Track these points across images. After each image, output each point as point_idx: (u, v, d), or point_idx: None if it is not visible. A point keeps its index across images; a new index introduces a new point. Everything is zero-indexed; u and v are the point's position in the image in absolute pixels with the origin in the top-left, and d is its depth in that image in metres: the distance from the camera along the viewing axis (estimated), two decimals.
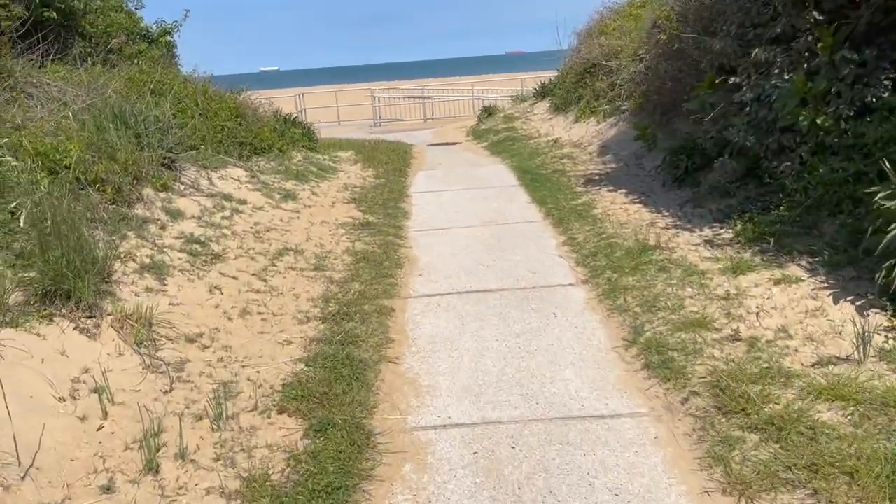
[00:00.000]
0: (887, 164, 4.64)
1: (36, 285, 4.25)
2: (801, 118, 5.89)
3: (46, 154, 5.78)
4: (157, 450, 3.30)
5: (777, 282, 4.79)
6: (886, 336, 3.90)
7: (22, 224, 4.63)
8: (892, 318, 4.08)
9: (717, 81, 7.30)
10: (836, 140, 5.81)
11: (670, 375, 3.87)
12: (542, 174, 10.15)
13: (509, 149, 13.06)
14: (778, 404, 3.38)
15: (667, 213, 7.15)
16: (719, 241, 5.94)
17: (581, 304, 5.15)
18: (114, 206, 5.97)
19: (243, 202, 7.83)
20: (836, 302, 4.41)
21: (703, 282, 5.04)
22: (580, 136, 12.55)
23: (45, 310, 4.17)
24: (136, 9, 14.81)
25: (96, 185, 5.90)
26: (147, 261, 5.43)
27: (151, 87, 9.90)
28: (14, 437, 3.04)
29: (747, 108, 6.50)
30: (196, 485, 3.16)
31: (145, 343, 4.25)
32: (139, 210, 6.27)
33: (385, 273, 6.09)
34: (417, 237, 7.34)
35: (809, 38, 6.04)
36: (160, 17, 14.84)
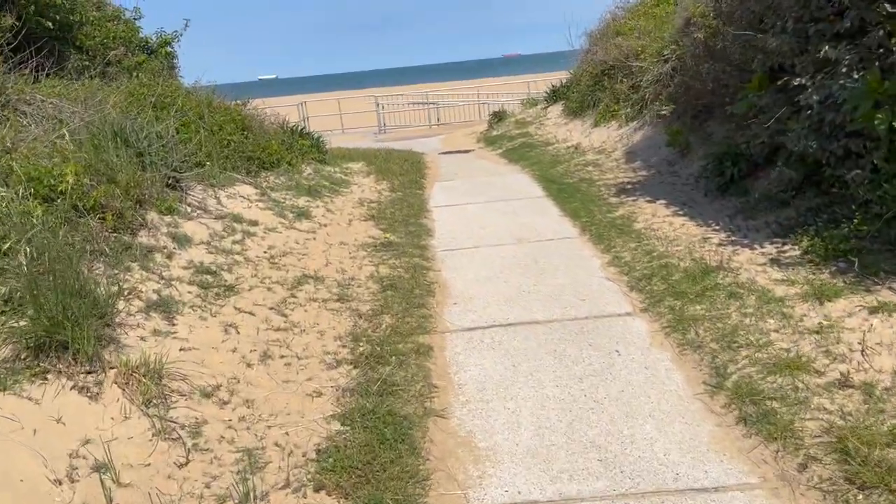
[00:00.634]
0: None
1: (27, 337, 3.67)
2: (876, 121, 5.29)
3: (40, 179, 5.20)
4: None
5: (874, 310, 4.19)
6: None
7: (24, 266, 4.03)
8: None
9: (771, 83, 6.70)
10: None
11: (776, 433, 3.27)
12: (569, 183, 9.56)
13: (527, 156, 12.47)
14: None
15: (717, 227, 6.55)
16: (787, 260, 5.34)
17: (645, 339, 4.55)
18: (115, 234, 5.39)
19: (255, 223, 7.25)
20: None
21: (784, 310, 4.44)
22: (602, 141, 11.96)
23: (38, 366, 3.59)
24: (134, 19, 14.24)
25: (95, 213, 5.31)
26: (154, 297, 4.85)
27: (153, 100, 9.34)
28: None
29: (808, 111, 5.90)
30: None
31: (154, 401, 3.66)
32: (143, 238, 5.69)
33: (416, 303, 5.50)
34: (445, 258, 6.75)
35: (881, 32, 5.44)
36: (160, 28, 14.30)
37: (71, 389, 3.52)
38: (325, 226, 7.83)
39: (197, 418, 3.65)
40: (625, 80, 12.82)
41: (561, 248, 6.70)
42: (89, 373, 3.70)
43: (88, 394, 3.57)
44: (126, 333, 4.22)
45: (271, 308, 5.29)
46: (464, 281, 6.03)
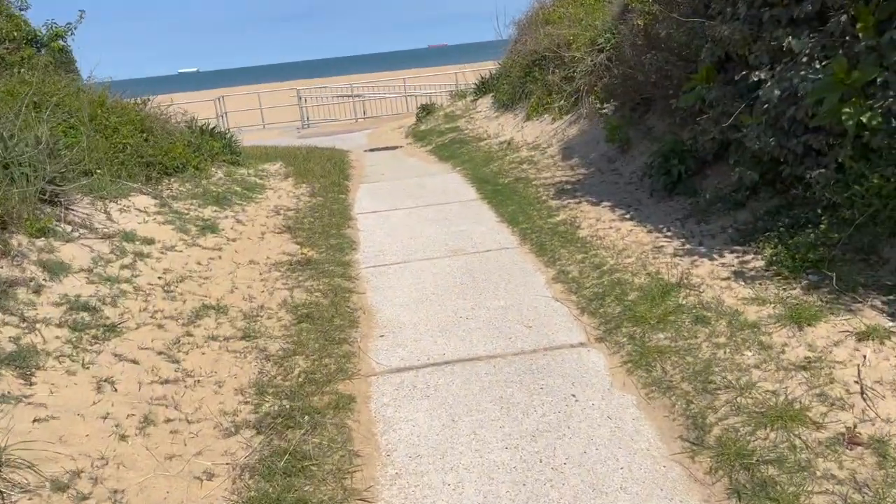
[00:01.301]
0: None
1: None
2: (843, 116, 4.76)
3: None
4: None
5: (862, 336, 3.63)
6: None
7: None
8: None
9: (719, 73, 6.16)
10: (885, 141, 4.71)
11: None
12: (504, 184, 8.88)
13: (458, 153, 11.75)
14: None
15: (669, 233, 5.98)
16: (752, 273, 4.77)
17: (605, 378, 3.88)
18: None
19: (150, 242, 6.30)
20: None
21: (761, 339, 3.84)
22: (535, 136, 11.35)
23: None
24: (20, 10, 12.83)
25: None
26: (9, 347, 3.94)
27: (34, 99, 8.20)
28: None
29: (765, 106, 5.36)
30: None
31: None
32: (2, 269, 4.72)
33: (337, 337, 4.70)
34: (371, 277, 5.96)
35: (844, 17, 4.92)
36: (50, 19, 12.93)
37: None
38: (234, 240, 6.93)
39: None
40: (557, 70, 12.25)
41: (501, 261, 6.00)
42: None
43: None
44: None
45: (160, 353, 4.40)
46: (392, 305, 5.26)
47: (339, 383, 4.06)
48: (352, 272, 6.08)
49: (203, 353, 4.48)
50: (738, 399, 3.35)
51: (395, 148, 14.24)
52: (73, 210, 6.42)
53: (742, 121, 5.79)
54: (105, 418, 3.57)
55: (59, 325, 4.41)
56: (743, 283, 4.63)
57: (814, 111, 5.04)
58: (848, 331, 3.73)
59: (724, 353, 3.78)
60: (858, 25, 4.84)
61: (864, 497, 2.60)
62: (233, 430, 3.59)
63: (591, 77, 10.44)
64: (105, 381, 3.92)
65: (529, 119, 12.36)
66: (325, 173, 10.53)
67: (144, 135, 9.21)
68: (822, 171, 5.08)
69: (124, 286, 5.26)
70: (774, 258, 4.87)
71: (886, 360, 3.41)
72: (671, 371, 3.76)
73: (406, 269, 6.08)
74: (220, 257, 6.37)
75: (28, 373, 3.83)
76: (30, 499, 2.92)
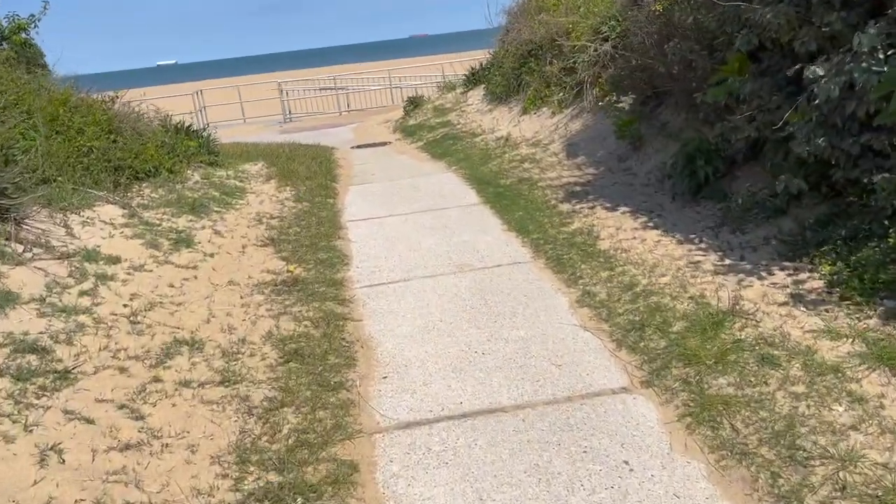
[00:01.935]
0: None
1: None
2: None
3: None
4: None
5: None
6: None
7: None
8: None
9: (752, 63, 5.50)
10: None
11: None
12: (507, 185, 8.18)
13: (452, 150, 11.02)
14: None
15: (702, 245, 5.31)
16: (813, 296, 4.11)
17: (661, 437, 3.20)
18: None
19: (115, 261, 5.56)
20: None
21: (849, 387, 3.18)
22: (534, 131, 10.65)
23: None
24: None
25: None
26: None
27: None
28: None
29: (816, 101, 4.69)
30: None
31: None
32: None
33: (331, 380, 3.98)
34: (367, 299, 5.25)
35: None
36: (12, 11, 12.04)
37: None
38: (212, 256, 6.18)
39: None
40: (555, 61, 11.54)
41: (514, 279, 5.31)
42: None
43: None
44: None
45: (122, 406, 3.68)
46: (394, 336, 4.55)
47: (338, 445, 3.35)
48: (345, 294, 5.36)
49: (173, 405, 3.76)
50: (841, 474, 2.68)
51: (383, 144, 13.48)
52: (26, 225, 5.67)
53: (784, 117, 5.13)
54: None
55: (0, 374, 3.68)
56: (805, 310, 3.97)
57: (877, 108, 4.38)
58: None
59: (807, 406, 3.11)
60: None
61: None
62: None
63: (596, 68, 9.74)
64: (51, 449, 3.19)
65: (526, 113, 11.66)
66: (311, 174, 9.77)
67: (112, 136, 8.43)
68: (886, 175, 4.43)
69: (82, 318, 4.53)
70: (836, 278, 4.22)
71: None
72: (744, 430, 3.08)
73: (407, 288, 5.37)
74: (195, 277, 5.63)
75: None
76: None
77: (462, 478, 3.05)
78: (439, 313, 4.82)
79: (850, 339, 3.54)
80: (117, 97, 9.41)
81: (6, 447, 3.15)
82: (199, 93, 23.41)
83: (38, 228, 5.77)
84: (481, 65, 16.14)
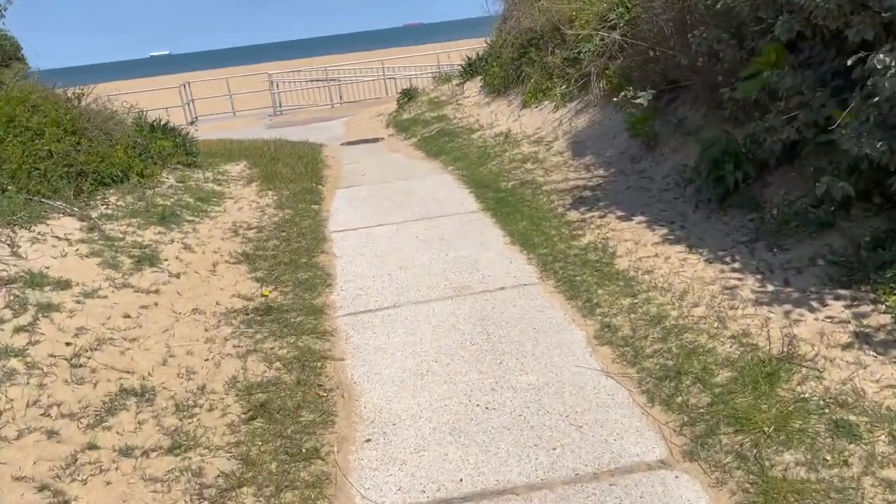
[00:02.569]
0: None
1: None
2: None
3: None
4: None
5: None
6: None
7: None
8: None
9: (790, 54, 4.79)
10: None
11: None
12: (508, 189, 7.46)
13: (448, 148, 10.29)
14: None
15: (736, 264, 4.62)
16: (883, 335, 3.43)
17: None
18: None
19: (65, 285, 4.87)
20: None
21: None
22: (536, 127, 9.92)
23: None
24: None
25: None
26: None
27: None
28: None
29: (876, 98, 3.98)
30: None
31: None
32: None
33: (304, 446, 3.29)
34: (351, 331, 4.54)
35: None
36: None
37: None
38: (178, 276, 5.47)
39: None
40: (557, 51, 10.81)
41: (521, 307, 4.60)
42: None
43: None
44: None
45: (42, 487, 2.98)
46: (382, 382, 3.85)
47: None
48: (326, 324, 4.65)
49: (108, 483, 3.06)
50: None
51: (375, 141, 12.74)
52: None
53: (819, 113, 4.44)
54: None
55: None
56: (876, 355, 3.28)
57: None
58: None
59: None
60: None
61: None
62: None
63: (603, 59, 9.01)
64: None
65: (527, 106, 10.93)
66: (296, 176, 9.04)
67: (76, 137, 7.70)
68: None
69: (13, 363, 3.84)
70: None
71: None
72: None
73: (397, 317, 4.66)
74: (156, 304, 4.92)
75: None
76: None
77: None
78: (434, 351, 4.12)
79: None
80: (83, 94, 8.67)
81: None
82: (187, 85, 22.62)
83: None
84: (478, 55, 15.39)
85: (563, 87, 10.30)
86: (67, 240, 5.72)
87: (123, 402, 3.66)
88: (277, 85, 22.71)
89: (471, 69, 15.23)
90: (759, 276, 4.39)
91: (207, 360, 4.19)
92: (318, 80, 23.81)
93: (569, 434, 3.18)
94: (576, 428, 3.22)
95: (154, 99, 21.37)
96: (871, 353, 3.31)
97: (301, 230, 6.68)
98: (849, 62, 4.03)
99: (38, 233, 5.67)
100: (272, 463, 3.15)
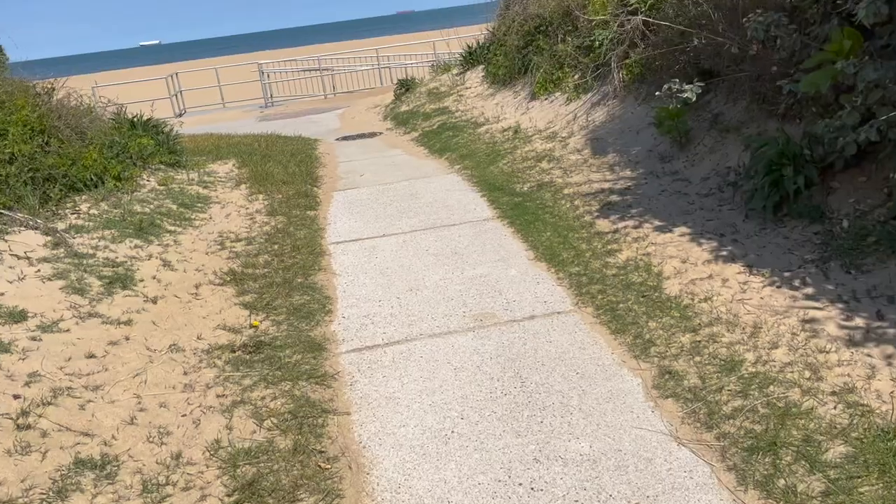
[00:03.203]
0: None
1: None
2: None
3: None
4: None
5: None
6: None
7: None
8: None
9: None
10: None
11: None
12: (525, 193, 6.73)
13: (453, 144, 9.54)
14: None
15: (809, 289, 3.91)
16: None
17: None
18: None
19: (19, 317, 4.17)
20: None
21: None
22: (547, 121, 9.19)
23: None
24: None
25: None
26: None
27: None
28: None
29: None
30: None
31: None
32: None
33: None
34: (357, 375, 3.82)
35: None
36: None
37: None
38: (155, 301, 4.74)
39: None
40: (569, 38, 10.06)
41: (557, 342, 3.89)
42: None
43: None
44: None
45: None
46: (397, 448, 3.13)
47: None
48: (326, 364, 3.93)
49: None
50: None
51: (372, 136, 11.98)
52: None
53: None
54: None
55: None
56: None
57: None
58: None
59: None
60: None
61: None
62: None
63: (623, 46, 8.26)
64: None
65: (536, 98, 10.19)
66: (289, 177, 8.29)
67: (44, 137, 6.94)
68: None
69: None
70: None
71: None
72: None
73: (410, 355, 3.94)
74: (127, 339, 4.20)
75: None
76: None
77: None
78: (458, 403, 3.41)
79: None
80: (53, 88, 7.89)
81: None
82: (175, 76, 21.78)
83: None
84: (478, 43, 14.62)
85: (577, 77, 9.57)
86: (28, 258, 4.99)
87: (77, 479, 2.94)
88: (268, 75, 21.88)
89: (472, 58, 14.46)
90: (841, 307, 3.69)
91: (185, 415, 3.47)
92: (310, 70, 22.96)
93: None
94: None
95: (141, 90, 20.53)
96: None
97: (295, 242, 5.94)
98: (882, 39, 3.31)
99: None
100: None
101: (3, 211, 5.61)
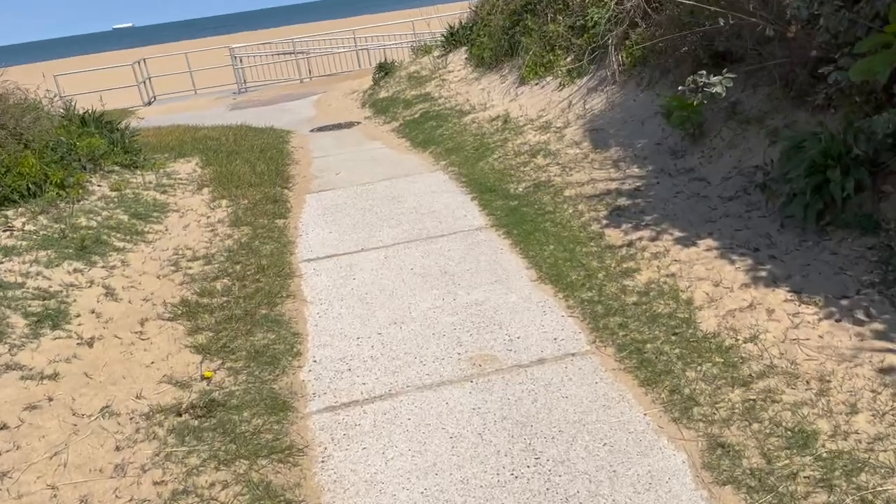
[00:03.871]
0: None
1: None
2: None
3: None
4: None
5: None
6: None
7: None
8: None
9: None
10: None
11: None
12: (520, 196, 5.99)
13: (438, 136, 8.76)
14: None
15: (877, 323, 3.24)
16: None
17: None
18: None
19: None
20: None
21: None
22: (539, 108, 8.44)
23: None
24: None
25: None
26: None
27: None
28: None
29: None
30: None
31: None
32: None
33: None
34: (329, 447, 3.09)
35: None
36: None
37: None
38: (91, 345, 3.98)
39: None
40: (560, 17, 9.29)
41: (575, 399, 3.18)
42: None
43: None
44: None
45: None
46: None
47: None
48: (293, 431, 3.20)
49: None
50: None
51: (350, 126, 11.16)
52: None
53: None
54: None
55: None
56: None
57: None
58: None
59: None
60: None
61: None
62: None
63: (622, 27, 7.51)
64: None
65: (525, 83, 9.43)
66: (257, 178, 7.50)
67: None
68: None
69: None
70: None
71: None
72: None
73: (396, 415, 3.22)
74: (50, 401, 3.44)
75: None
76: None
77: None
78: (458, 492, 2.69)
79: None
80: None
81: None
82: (142, 62, 20.74)
83: None
84: (461, 23, 13.81)
85: (569, 60, 8.81)
86: None
87: None
88: (241, 60, 20.87)
89: (454, 39, 13.65)
90: None
91: None
92: (285, 54, 21.98)
93: None
94: None
95: (108, 78, 19.51)
96: None
97: (261, 261, 5.18)
98: None
99: None
100: None
101: None
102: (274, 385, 3.57)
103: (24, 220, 5.66)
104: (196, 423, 3.29)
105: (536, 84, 9.16)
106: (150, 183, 7.33)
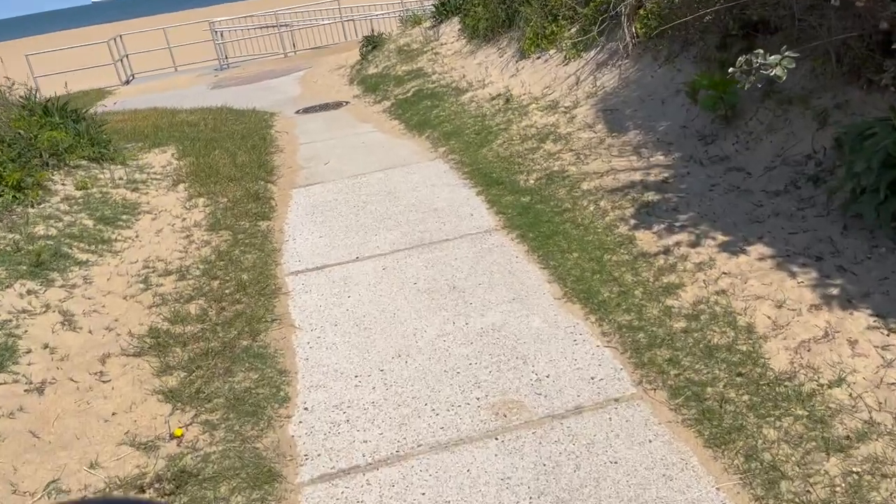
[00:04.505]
0: None
1: None
2: None
3: None
4: None
5: None
6: None
7: None
8: None
9: None
10: None
11: None
12: (532, 189, 5.35)
13: (434, 118, 8.06)
14: None
15: None
16: None
17: None
18: None
19: None
20: None
21: None
22: (543, 86, 7.75)
23: None
24: None
25: None
26: None
27: None
28: None
29: None
30: None
31: None
32: None
33: None
34: None
35: None
36: None
37: None
38: (41, 391, 3.37)
39: None
40: None
41: (625, 463, 2.60)
42: None
43: None
44: None
45: None
46: None
47: None
48: None
49: None
50: None
51: (338, 106, 10.43)
52: None
53: None
54: None
55: None
56: None
57: None
58: None
59: None
60: None
61: None
62: None
63: None
64: None
65: (526, 57, 8.73)
66: (238, 170, 6.82)
67: None
68: None
69: None
70: None
71: None
72: None
73: (406, 490, 2.63)
74: None
75: None
76: None
77: None
78: None
79: None
80: None
81: None
82: (119, 39, 19.80)
83: None
84: None
85: (574, 31, 8.11)
86: None
87: None
88: (222, 34, 19.96)
89: (445, 9, 12.85)
90: None
91: None
92: (268, 27, 21.04)
93: None
94: None
95: (84, 56, 18.61)
96: None
97: (241, 276, 4.54)
98: None
99: None
100: None
101: None
102: (257, 444, 2.97)
103: None
104: (163, 501, 2.68)
105: (538, 58, 8.46)
106: (121, 179, 6.65)
